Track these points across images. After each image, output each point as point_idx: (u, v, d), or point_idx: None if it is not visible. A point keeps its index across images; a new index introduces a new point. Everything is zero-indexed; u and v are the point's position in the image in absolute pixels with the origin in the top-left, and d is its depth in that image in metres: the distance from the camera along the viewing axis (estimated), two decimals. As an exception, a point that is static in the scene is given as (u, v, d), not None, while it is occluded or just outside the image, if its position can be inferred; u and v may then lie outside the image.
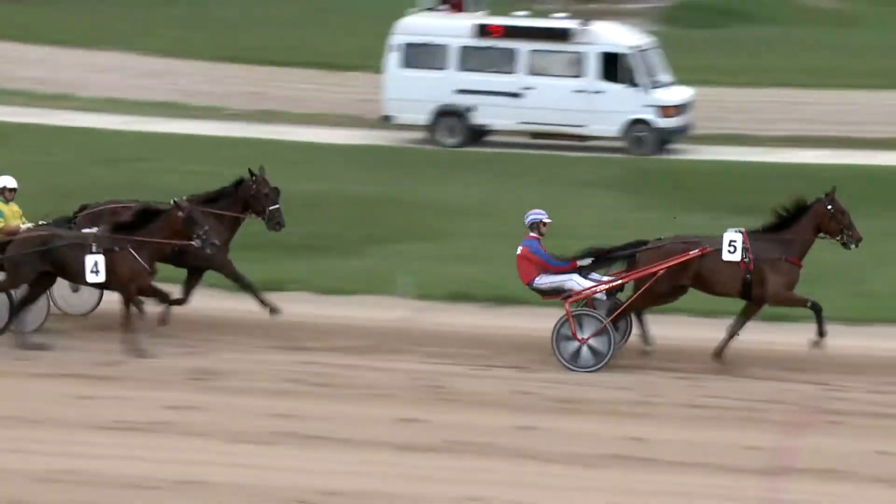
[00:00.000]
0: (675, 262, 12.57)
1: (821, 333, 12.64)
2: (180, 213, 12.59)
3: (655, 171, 22.33)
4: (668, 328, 13.32)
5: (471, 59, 22.74)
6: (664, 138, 23.00)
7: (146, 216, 12.77)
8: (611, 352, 12.71)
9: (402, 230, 18.16)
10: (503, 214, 17.94)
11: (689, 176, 21.28)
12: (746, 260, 12.48)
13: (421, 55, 22.88)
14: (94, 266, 12.36)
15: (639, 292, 12.73)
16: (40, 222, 13.23)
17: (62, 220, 13.50)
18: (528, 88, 22.45)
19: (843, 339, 13.39)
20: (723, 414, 11.91)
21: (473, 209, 19.44)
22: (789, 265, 12.68)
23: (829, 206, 12.67)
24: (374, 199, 19.74)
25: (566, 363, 12.82)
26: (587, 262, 12.99)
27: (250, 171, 13.55)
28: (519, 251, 13.09)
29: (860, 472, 10.26)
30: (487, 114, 22.74)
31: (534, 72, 22.60)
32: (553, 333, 12.85)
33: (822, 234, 12.81)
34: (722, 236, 12.67)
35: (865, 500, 9.77)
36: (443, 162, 22.55)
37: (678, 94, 23.12)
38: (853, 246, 12.95)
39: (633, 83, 22.59)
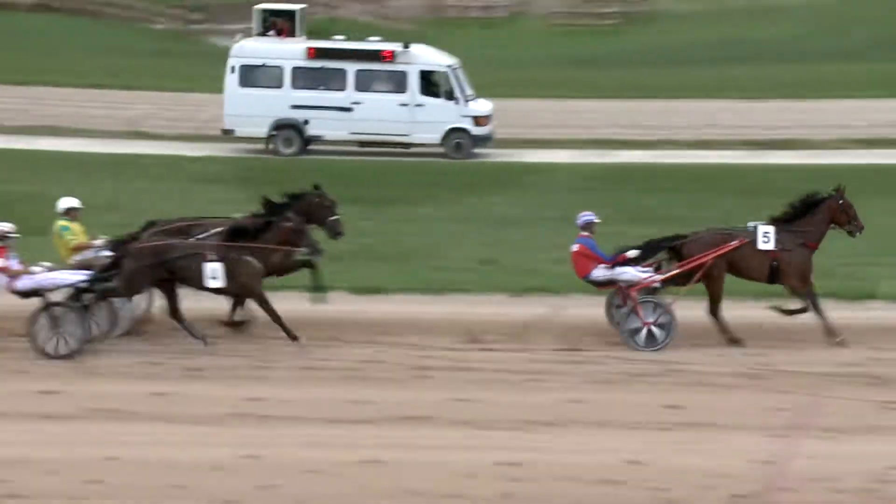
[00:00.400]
0: (725, 250, 13.92)
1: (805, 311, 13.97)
2: (290, 224, 13.82)
3: (264, 167, 24.70)
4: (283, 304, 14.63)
5: (304, 78, 25.29)
6: (477, 144, 25.82)
7: (258, 229, 13.87)
8: (671, 334, 14.01)
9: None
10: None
11: (290, 172, 22.79)
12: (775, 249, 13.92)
13: (258, 75, 25.37)
14: (213, 272, 13.46)
15: (708, 281, 14.03)
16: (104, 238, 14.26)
17: (130, 235, 14.23)
18: (356, 103, 25.28)
19: (425, 307, 15.79)
20: (330, 375, 13.53)
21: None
22: (808, 251, 14.09)
23: (840, 201, 14.09)
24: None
25: (631, 342, 14.06)
26: (635, 254, 14.17)
27: (314, 185, 14.64)
28: (575, 248, 14.24)
29: (443, 416, 12.10)
30: (321, 126, 25.20)
31: (361, 88, 25.20)
32: (622, 321, 14.14)
33: (833, 226, 14.11)
34: (748, 227, 14.18)
35: (445, 440, 11.46)
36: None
37: (485, 105, 26.12)
38: (858, 234, 14.32)
39: (450, 97, 25.42)
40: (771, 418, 11.74)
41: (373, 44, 26.08)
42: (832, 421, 11.60)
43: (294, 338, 14.03)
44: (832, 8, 48.73)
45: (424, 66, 25.63)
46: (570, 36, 45.04)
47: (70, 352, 13.28)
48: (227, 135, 25.89)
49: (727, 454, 10.65)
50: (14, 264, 13.39)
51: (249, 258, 13.72)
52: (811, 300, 14.00)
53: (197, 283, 13.76)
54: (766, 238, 14.02)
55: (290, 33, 26.65)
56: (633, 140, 28.31)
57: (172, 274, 13.73)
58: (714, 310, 14.17)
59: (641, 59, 39.09)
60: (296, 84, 25.27)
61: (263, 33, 26.85)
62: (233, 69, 25.24)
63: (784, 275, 14.08)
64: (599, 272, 14.23)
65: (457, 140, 25.39)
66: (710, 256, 14.04)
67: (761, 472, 10.26)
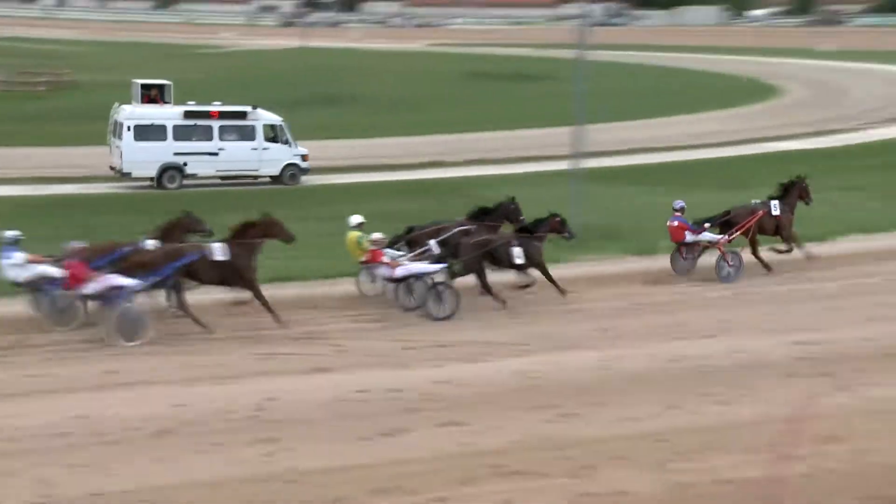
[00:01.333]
0: (758, 217, 20.98)
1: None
2: (558, 219, 19.34)
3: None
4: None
5: (182, 132, 32.56)
6: (303, 174, 33.89)
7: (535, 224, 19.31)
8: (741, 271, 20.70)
9: None
10: None
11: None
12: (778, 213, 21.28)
13: (148, 132, 32.25)
14: (519, 254, 18.57)
15: (749, 236, 21.10)
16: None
17: (395, 237, 19.47)
18: (221, 149, 32.87)
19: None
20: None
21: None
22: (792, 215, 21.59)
23: (804, 184, 21.86)
24: None
25: (719, 277, 20.59)
26: (708, 225, 20.65)
27: (510, 197, 20.59)
28: (675, 224, 20.64)
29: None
30: (195, 167, 32.68)
31: (223, 138, 32.94)
32: (716, 265, 20.58)
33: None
34: (746, 203, 21.62)
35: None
36: None
37: (304, 148, 34.05)
38: (810, 203, 22.14)
39: (285, 142, 33.50)
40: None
41: (232, 106, 33.99)
42: (221, 371, 15.07)
43: (563, 291, 18.94)
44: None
45: (267, 121, 33.60)
46: (6, 99, 54.63)
47: (449, 314, 17.79)
48: (126, 177, 32.73)
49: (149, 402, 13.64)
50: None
51: (538, 243, 18.99)
52: (794, 244, 21.48)
53: (507, 263, 18.70)
54: (776, 208, 21.36)
55: (161, 100, 34.84)
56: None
57: (492, 257, 18.67)
58: (754, 251, 21.26)
59: (66, 115, 47.93)
60: (176, 137, 32.55)
61: (142, 101, 34.63)
62: (129, 128, 32.24)
63: (783, 230, 21.45)
64: (690, 237, 20.64)
65: (291, 172, 33.60)
66: (752, 221, 21.10)
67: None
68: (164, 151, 32.16)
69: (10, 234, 17.15)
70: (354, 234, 18.75)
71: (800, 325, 17.36)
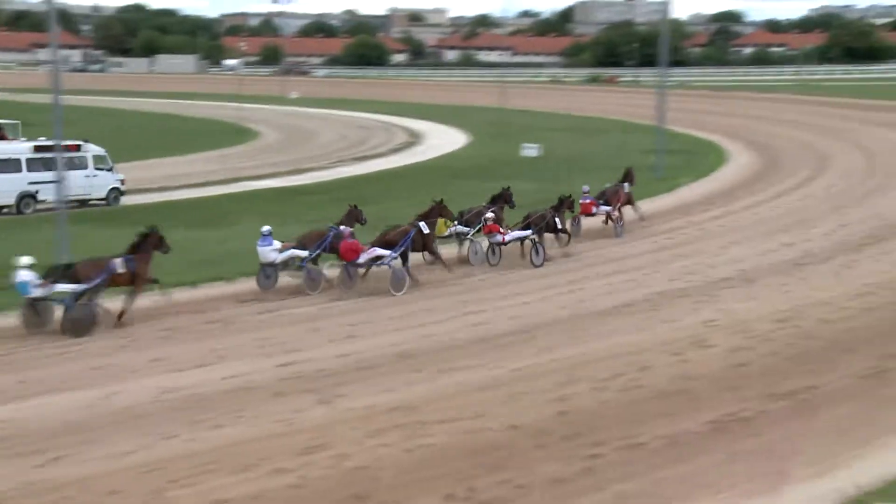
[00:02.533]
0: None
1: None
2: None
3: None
4: None
5: (33, 164, 35.01)
6: (122, 196, 37.49)
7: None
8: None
9: None
10: None
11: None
12: None
13: (5, 165, 34.68)
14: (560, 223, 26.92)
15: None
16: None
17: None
18: (63, 178, 32.20)
19: None
20: None
21: None
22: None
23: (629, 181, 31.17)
24: None
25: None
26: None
27: (506, 186, 28.81)
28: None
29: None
30: (45, 193, 33.83)
31: (67, 168, 32.69)
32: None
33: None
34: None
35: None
36: None
37: (119, 173, 37.86)
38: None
39: (109, 170, 37.11)
40: None
41: (69, 141, 35.23)
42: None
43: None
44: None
45: (95, 153, 36.85)
46: None
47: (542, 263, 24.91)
48: None
49: None
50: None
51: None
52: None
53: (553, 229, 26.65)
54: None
55: (5, 138, 40.57)
56: None
57: (547, 226, 26.28)
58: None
59: None
60: (29, 168, 34.88)
61: None
62: None
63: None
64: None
65: (114, 195, 37.15)
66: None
67: None
68: (20, 181, 34.61)
69: (266, 228, 22.49)
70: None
71: (286, 348, 17.94)
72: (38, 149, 34.97)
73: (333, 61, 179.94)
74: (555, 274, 24.47)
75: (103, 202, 36.76)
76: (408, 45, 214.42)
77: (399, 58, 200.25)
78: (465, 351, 17.60)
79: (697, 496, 11.66)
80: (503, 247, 25.68)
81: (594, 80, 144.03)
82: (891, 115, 72.72)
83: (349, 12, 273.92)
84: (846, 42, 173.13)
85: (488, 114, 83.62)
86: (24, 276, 18.62)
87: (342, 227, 23.56)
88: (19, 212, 34.49)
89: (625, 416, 14.11)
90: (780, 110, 79.99)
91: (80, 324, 18.51)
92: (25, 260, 18.93)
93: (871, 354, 17.10)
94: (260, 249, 22.33)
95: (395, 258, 22.73)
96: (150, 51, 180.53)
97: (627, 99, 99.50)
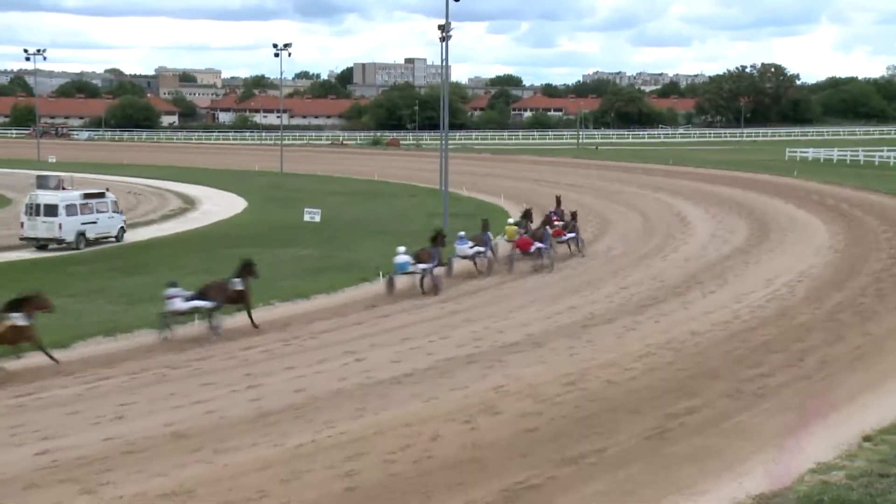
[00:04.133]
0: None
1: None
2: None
3: None
4: None
5: (84, 209, 43.28)
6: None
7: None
8: None
9: None
10: None
11: None
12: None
13: (69, 209, 42.29)
14: None
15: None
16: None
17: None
18: (96, 220, 44.12)
19: None
20: None
21: None
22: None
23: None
24: None
25: None
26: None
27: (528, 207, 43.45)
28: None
29: None
30: (90, 232, 43.37)
31: (97, 211, 44.17)
32: None
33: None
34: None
35: None
36: None
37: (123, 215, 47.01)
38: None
39: (118, 212, 45.73)
40: None
41: (95, 189, 45.19)
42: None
43: None
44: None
45: (111, 199, 45.26)
46: None
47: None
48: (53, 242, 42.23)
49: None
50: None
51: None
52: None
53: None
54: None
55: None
56: None
57: None
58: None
59: None
60: (81, 212, 43.03)
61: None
62: (61, 207, 42.20)
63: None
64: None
65: (122, 233, 45.28)
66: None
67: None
68: (77, 222, 42.65)
69: (462, 233, 35.50)
70: (512, 227, 38.04)
71: (43, 434, 16.92)
72: (85, 196, 43.84)
73: (97, 123, 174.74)
74: (335, 345, 24.26)
75: (113, 239, 44.59)
76: (179, 107, 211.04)
77: (170, 119, 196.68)
78: (244, 428, 17.13)
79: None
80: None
81: (376, 142, 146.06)
82: (663, 178, 77.15)
83: (113, 71, 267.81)
84: (619, 107, 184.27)
85: (267, 178, 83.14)
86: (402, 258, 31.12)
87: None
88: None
89: (416, 488, 14.05)
90: (561, 173, 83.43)
91: None
92: (401, 249, 31.55)
93: (654, 415, 17.78)
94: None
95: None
96: None
97: (410, 162, 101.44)
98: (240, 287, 26.03)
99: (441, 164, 47.64)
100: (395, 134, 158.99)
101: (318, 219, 51.03)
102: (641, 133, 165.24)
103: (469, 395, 19.29)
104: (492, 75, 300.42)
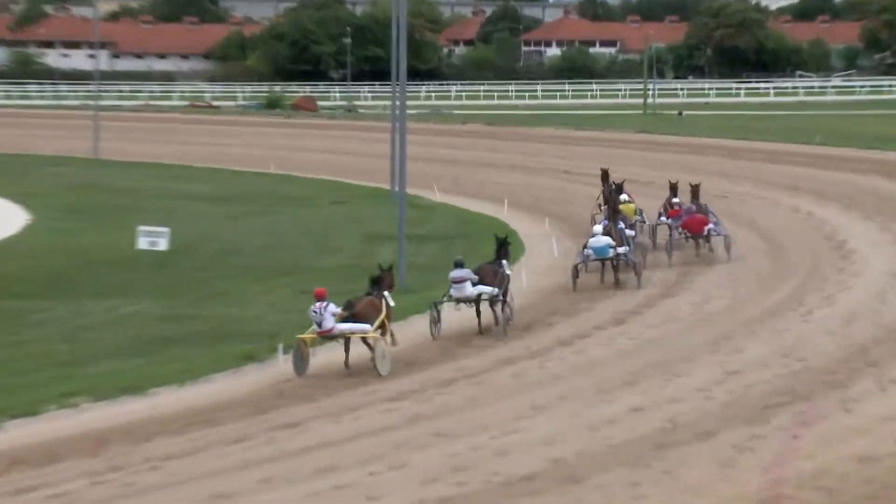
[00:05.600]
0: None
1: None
2: None
3: None
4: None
5: None
6: None
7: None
8: None
9: None
10: None
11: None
12: None
13: None
14: None
15: None
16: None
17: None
18: None
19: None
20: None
21: None
22: None
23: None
24: None
25: None
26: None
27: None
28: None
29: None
30: None
31: None
32: None
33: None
34: None
35: None
36: None
37: None
38: None
39: None
40: None
41: None
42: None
43: None
44: None
45: None
46: None
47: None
48: None
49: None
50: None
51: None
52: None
53: None
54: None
55: None
56: None
57: None
58: None
59: None
60: None
61: None
62: None
63: None
64: None
65: None
66: None
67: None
68: None
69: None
70: (630, 206, 32.36)
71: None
72: None
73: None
74: (189, 482, 14.40)
75: None
76: None
77: None
78: None
79: None
80: None
81: (273, 104, 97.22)
82: (804, 170, 65.04)
83: None
84: (721, 39, 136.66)
85: (71, 169, 56.75)
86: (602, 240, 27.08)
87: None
88: None
89: None
90: (614, 159, 67.47)
91: None
92: (598, 228, 27.51)
93: None
94: None
95: None
96: None
97: (335, 140, 72.99)
98: (508, 271, 23.80)
99: (393, 143, 34.94)
100: (307, 89, 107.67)
101: (163, 245, 34.26)
102: (762, 86, 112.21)
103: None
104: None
